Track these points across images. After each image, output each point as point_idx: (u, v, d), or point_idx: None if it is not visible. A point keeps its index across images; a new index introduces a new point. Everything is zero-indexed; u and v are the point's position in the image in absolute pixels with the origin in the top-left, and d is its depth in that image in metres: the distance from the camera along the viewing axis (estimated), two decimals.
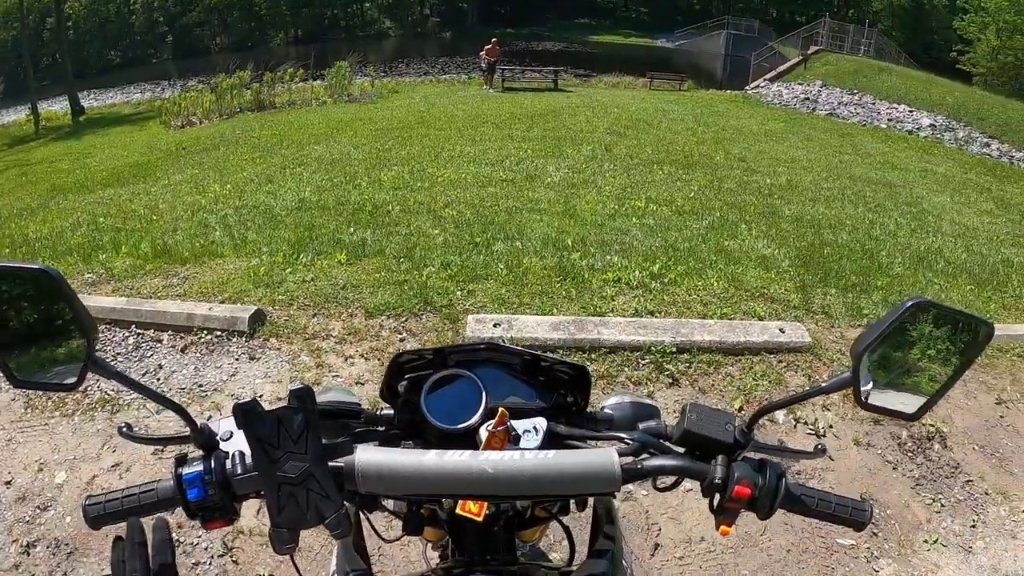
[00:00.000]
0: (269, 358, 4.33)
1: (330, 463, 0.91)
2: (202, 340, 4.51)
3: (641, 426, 1.21)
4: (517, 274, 5.40)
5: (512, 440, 1.10)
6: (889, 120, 21.77)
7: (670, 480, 1.17)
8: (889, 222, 9.11)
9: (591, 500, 1.36)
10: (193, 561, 2.99)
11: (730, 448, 1.09)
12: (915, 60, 35.48)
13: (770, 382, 4.46)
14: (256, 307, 4.67)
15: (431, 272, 5.36)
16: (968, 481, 4.15)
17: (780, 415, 4.23)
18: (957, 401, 4.86)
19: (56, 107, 32.91)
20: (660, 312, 5.03)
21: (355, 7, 65.39)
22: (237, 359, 4.33)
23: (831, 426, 4.26)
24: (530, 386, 1.25)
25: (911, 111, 22.68)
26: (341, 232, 6.46)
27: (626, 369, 4.32)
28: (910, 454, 4.23)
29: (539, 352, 1.23)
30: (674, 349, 4.47)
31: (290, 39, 60.73)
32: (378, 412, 1.24)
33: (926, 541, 3.61)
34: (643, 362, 4.39)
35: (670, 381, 4.25)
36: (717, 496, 1.04)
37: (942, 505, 3.90)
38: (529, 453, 0.94)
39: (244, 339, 4.48)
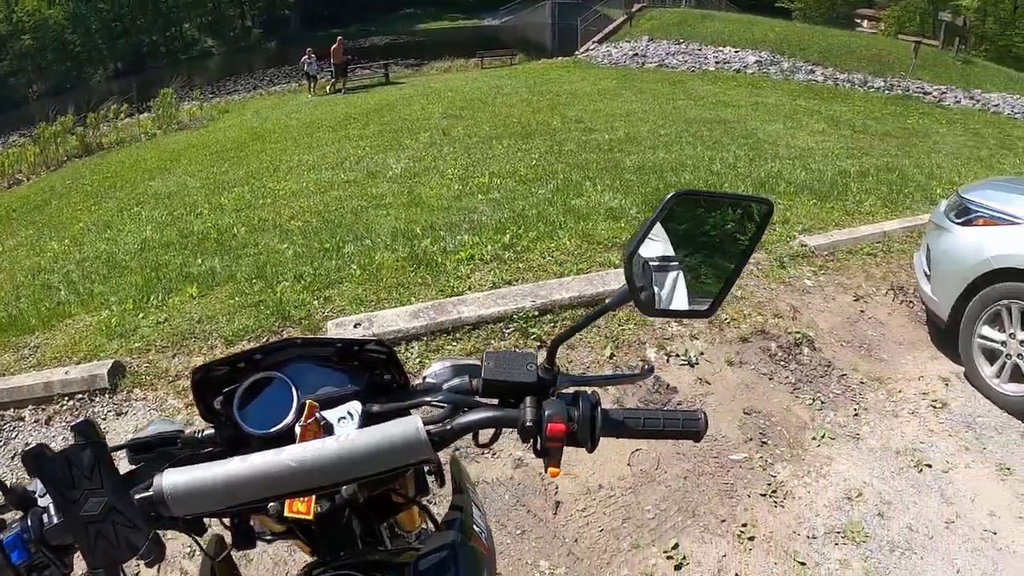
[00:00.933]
0: (136, 410, 4.20)
1: (140, 493, 0.89)
2: (65, 407, 4.32)
3: (446, 386, 1.19)
4: (371, 272, 5.41)
5: (325, 430, 1.07)
6: (716, 63, 22.70)
7: (490, 434, 1.16)
8: (728, 156, 9.54)
9: (447, 475, 1.34)
10: None
11: (538, 388, 1.09)
12: (735, 5, 36.69)
13: (635, 324, 4.64)
14: (113, 360, 4.51)
15: (285, 287, 5.31)
16: (842, 375, 4.46)
17: (651, 352, 4.42)
18: (818, 305, 5.19)
19: None
20: (517, 280, 5.15)
21: (174, 30, 62.84)
22: (104, 418, 4.17)
23: (702, 353, 4.48)
24: (342, 373, 1.23)
25: (736, 51, 23.69)
26: (189, 265, 6.31)
27: (492, 341, 4.42)
28: (782, 363, 4.49)
29: (343, 338, 1.23)
30: (536, 312, 4.60)
31: (110, 74, 57.80)
32: (199, 435, 1.18)
33: (814, 438, 3.87)
34: (508, 331, 4.50)
35: (538, 344, 4.37)
36: (536, 439, 1.03)
37: (822, 402, 4.17)
38: (331, 438, 0.91)
39: (107, 396, 4.31)
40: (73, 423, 0.89)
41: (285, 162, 11.24)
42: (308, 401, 1.10)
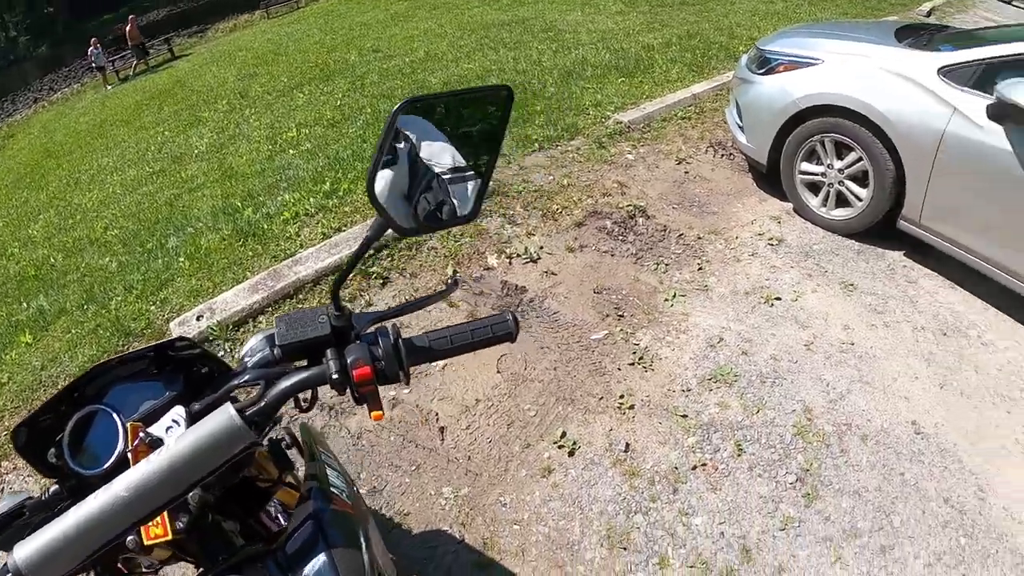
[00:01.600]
0: (11, 483, 3.91)
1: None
2: None
3: (249, 363, 1.16)
4: (200, 260, 5.23)
5: (153, 446, 1.02)
6: None
7: (308, 397, 1.19)
8: (532, 53, 9.62)
9: (304, 445, 1.35)
10: None
11: (337, 338, 1.09)
12: None
13: (470, 236, 4.70)
14: None
15: (118, 302, 5.06)
16: (680, 236, 4.67)
17: (493, 259, 4.50)
18: (643, 176, 5.36)
19: None
20: (347, 224, 5.11)
21: None
22: None
23: (542, 247, 4.58)
24: (158, 382, 1.18)
25: None
26: (15, 313, 5.90)
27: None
28: (620, 237, 4.66)
29: (145, 347, 1.19)
30: (373, 251, 4.58)
31: None
32: (45, 496, 1.13)
33: (667, 299, 4.06)
34: (350, 279, 4.45)
35: (381, 282, 4.36)
36: (348, 389, 1.03)
37: (667, 265, 4.37)
38: (154, 454, 0.88)
39: None
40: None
41: (85, 171, 10.61)
42: (130, 424, 1.06)
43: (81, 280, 5.92)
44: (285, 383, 1.02)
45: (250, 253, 5.12)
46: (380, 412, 1.03)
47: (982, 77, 3.82)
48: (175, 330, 4.35)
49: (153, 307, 4.84)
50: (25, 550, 0.82)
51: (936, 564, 2.58)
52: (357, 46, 13.19)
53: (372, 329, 1.10)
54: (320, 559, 1.04)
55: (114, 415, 1.11)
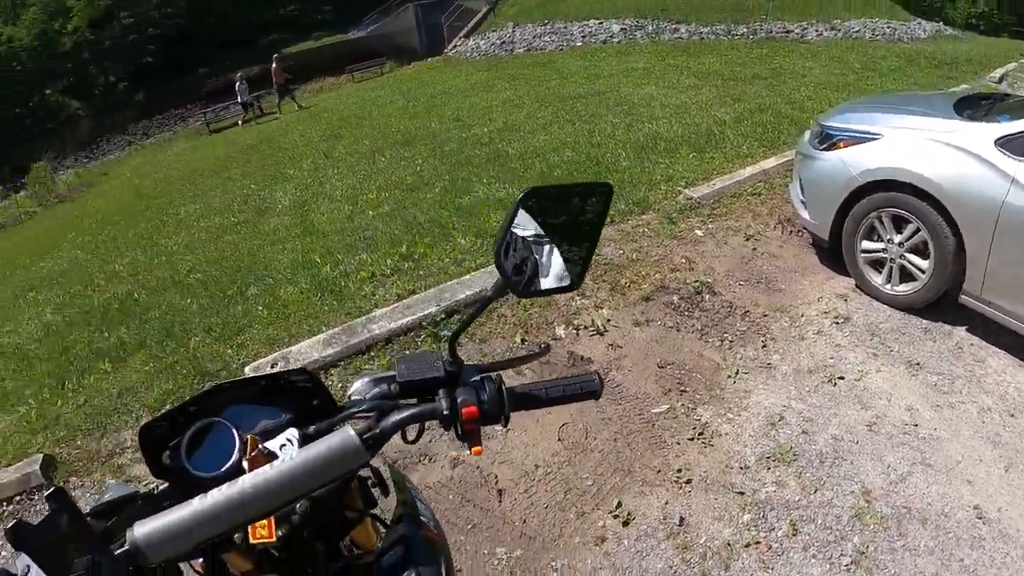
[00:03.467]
0: (77, 498, 4.16)
1: (117, 550, 0.91)
2: (6, 512, 4.25)
3: (368, 396, 1.28)
4: (277, 309, 5.43)
5: (270, 458, 1.13)
6: (583, 37, 22.88)
7: (415, 431, 1.28)
8: (606, 126, 9.71)
9: (389, 483, 1.45)
10: None
11: (448, 380, 1.22)
12: None
13: (540, 307, 4.78)
14: (42, 455, 4.44)
15: (196, 342, 5.28)
16: (746, 312, 4.68)
17: (560, 329, 4.58)
18: (711, 252, 5.40)
19: None
20: (420, 287, 5.22)
21: (35, 99, 60.24)
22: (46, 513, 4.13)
23: (609, 320, 4.63)
24: (273, 406, 1.29)
25: (600, 22, 23.79)
26: (97, 341, 6.18)
27: (407, 351, 4.47)
28: (687, 313, 4.69)
29: (263, 374, 1.33)
30: (443, 315, 4.72)
31: None
32: (155, 491, 1.23)
33: (730, 376, 4.07)
34: (419, 339, 4.60)
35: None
36: (455, 425, 1.15)
37: (731, 341, 4.39)
38: (277, 461, 0.98)
39: (45, 491, 4.27)
40: (44, 494, 0.95)
41: (172, 215, 11.03)
42: (250, 436, 1.18)
43: (162, 318, 6.16)
44: (401, 414, 1.13)
45: (326, 308, 5.28)
46: (480, 447, 1.15)
47: None
48: (249, 374, 4.51)
49: (230, 350, 5.03)
50: (145, 528, 0.90)
51: None
52: (438, 114, 13.50)
53: (478, 377, 1.23)
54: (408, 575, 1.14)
55: (232, 428, 1.23)
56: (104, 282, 8.29)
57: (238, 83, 23.34)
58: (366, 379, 1.34)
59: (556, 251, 1.25)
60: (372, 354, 4.52)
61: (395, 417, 1.13)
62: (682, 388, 4.01)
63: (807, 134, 5.45)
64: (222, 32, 58.69)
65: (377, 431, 1.09)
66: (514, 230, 1.17)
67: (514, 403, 1.18)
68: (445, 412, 1.14)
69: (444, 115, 13.21)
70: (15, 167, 26.75)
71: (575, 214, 1.24)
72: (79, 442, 4.58)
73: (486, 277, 5.01)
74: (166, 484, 1.25)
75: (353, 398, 1.32)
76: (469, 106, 13.78)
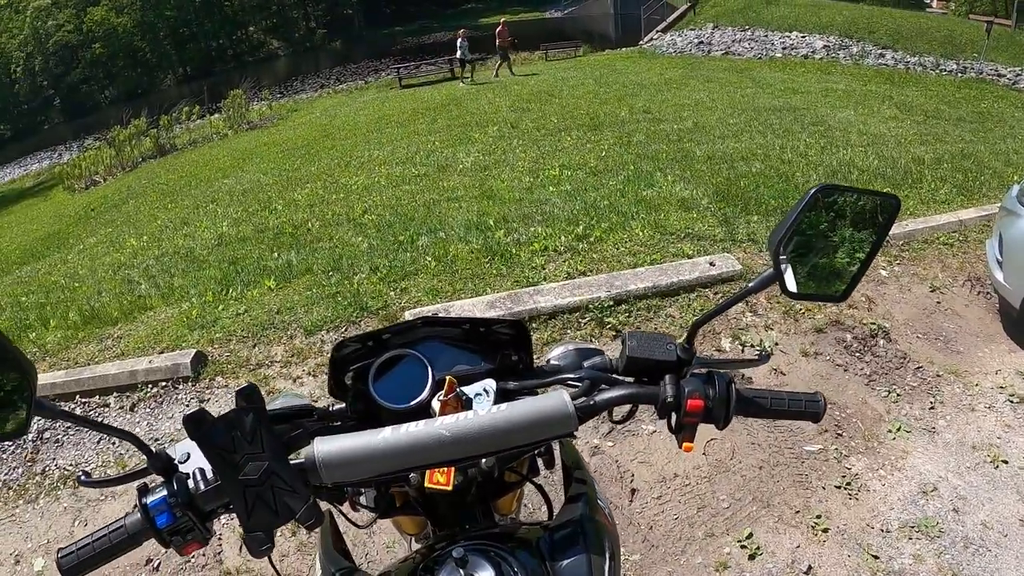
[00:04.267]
0: (218, 397, 4.30)
1: (291, 461, 0.91)
2: (149, 394, 4.45)
3: (586, 364, 1.25)
4: (446, 263, 5.44)
5: (464, 406, 1.11)
6: (783, 49, 22.23)
7: (625, 410, 1.22)
8: (799, 144, 9.31)
9: (558, 456, 1.40)
10: None
11: (675, 367, 1.13)
12: None
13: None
14: (195, 350, 4.61)
15: (361, 279, 5.37)
16: (918, 368, 4.32)
17: (726, 342, 4.37)
18: (893, 296, 5.04)
19: None
20: (591, 271, 5.11)
21: (240, 34, 64.10)
22: (187, 405, 4.29)
23: (776, 344, 4.39)
24: (473, 352, 1.26)
25: (803, 36, 23.17)
26: (266, 259, 6.42)
27: (568, 331, 4.40)
28: (858, 354, 4.39)
29: (474, 317, 1.26)
30: (611, 302, 4.56)
31: (180, 78, 59.30)
32: (331, 408, 1.23)
33: (890, 431, 3.76)
34: (584, 320, 4.48)
35: (614, 333, 4.33)
36: (673, 415, 1.08)
37: (898, 395, 4.05)
38: (482, 411, 0.95)
39: (190, 384, 4.43)
40: (237, 388, 0.89)
41: (356, 158, 11.34)
42: (448, 377, 1.13)
43: (331, 250, 6.30)
44: (620, 391, 1.09)
45: (494, 271, 5.25)
46: (692, 444, 1.08)
47: None
48: (407, 318, 4.49)
49: (393, 293, 5.08)
50: (328, 446, 0.89)
51: None
52: (628, 104, 13.34)
53: (705, 371, 1.13)
54: (580, 558, 1.07)
55: (427, 364, 1.21)
56: (282, 207, 8.59)
57: (460, 39, 22.48)
58: (570, 347, 1.32)
59: (834, 256, 1.15)
60: (533, 326, 4.42)
61: (613, 393, 1.09)
62: (839, 431, 3.76)
63: (1015, 188, 4.91)
64: None
65: (591, 402, 1.07)
66: (799, 224, 1.07)
67: (740, 406, 1.10)
68: (669, 400, 1.07)
69: (634, 106, 13.03)
70: (213, 92, 28.27)
71: (860, 222, 1.14)
72: (232, 346, 4.74)
73: (659, 274, 4.83)
74: (342, 404, 1.24)
75: (553, 362, 1.29)
76: (660, 101, 13.55)
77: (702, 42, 24.57)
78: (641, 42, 27.72)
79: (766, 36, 23.91)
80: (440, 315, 1.33)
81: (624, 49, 27.49)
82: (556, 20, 47.05)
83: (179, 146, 20.81)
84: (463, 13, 59.23)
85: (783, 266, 1.09)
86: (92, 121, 39.92)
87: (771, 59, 21.26)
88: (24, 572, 3.38)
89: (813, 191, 1.05)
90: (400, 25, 58.24)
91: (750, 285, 1.09)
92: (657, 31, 28.16)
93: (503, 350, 1.28)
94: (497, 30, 23.00)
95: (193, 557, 3.15)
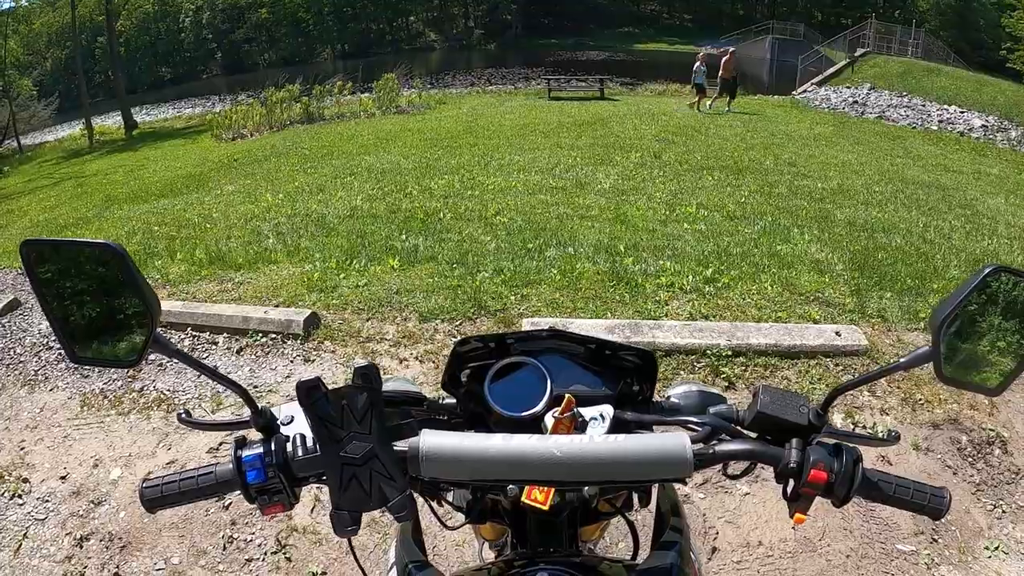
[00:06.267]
0: (323, 360, 4.36)
1: (397, 448, 0.90)
2: (257, 343, 4.56)
3: (712, 410, 1.19)
4: (570, 279, 5.38)
5: (579, 427, 1.08)
6: (940, 122, 21.34)
7: (742, 466, 1.16)
8: (943, 225, 8.91)
9: (655, 496, 1.34)
10: (246, 557, 3.02)
11: (804, 431, 1.07)
12: (964, 60, 34.86)
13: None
14: (311, 311, 4.70)
15: (484, 277, 5.38)
16: None
17: (839, 419, 4.17)
18: (1018, 406, 4.76)
19: (109, 122, 34.04)
20: (714, 316, 4.98)
21: (400, 21, 66.16)
22: (292, 361, 4.37)
23: (890, 430, 4.18)
24: (594, 374, 1.22)
25: (962, 112, 22.28)
26: (393, 239, 6.51)
27: (682, 372, 4.30)
28: (970, 459, 4.14)
29: (604, 339, 1.21)
30: (729, 352, 4.43)
31: (337, 54, 61.64)
32: (441, 401, 1.23)
33: (987, 548, 3.53)
34: (699, 365, 4.36)
35: (726, 384, 4.21)
36: (791, 482, 1.02)
37: (1003, 511, 3.81)
38: (599, 437, 0.92)
39: (299, 342, 4.52)
40: (356, 364, 0.87)
41: (496, 159, 11.44)
42: (568, 395, 1.08)
43: (459, 243, 6.34)
44: (742, 445, 1.04)
45: (616, 297, 5.16)
46: (805, 517, 1.03)
47: None
48: (526, 327, 4.46)
49: (513, 297, 5.05)
50: (436, 439, 0.87)
51: None
52: (775, 153, 13.08)
53: (833, 442, 1.06)
54: None
55: (548, 377, 1.17)
56: (417, 193, 8.73)
57: (698, 63, 20.60)
58: (692, 387, 1.26)
59: (994, 345, 1.06)
60: None
61: (735, 446, 1.04)
62: (935, 537, 3.51)
63: None
64: (578, 8, 61.11)
65: (711, 451, 1.01)
66: (967, 305, 1.00)
67: (863, 488, 1.03)
68: (792, 465, 1.00)
69: (780, 156, 12.79)
70: (367, 73, 29.13)
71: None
72: (346, 315, 4.83)
73: (783, 333, 4.66)
74: (452, 400, 1.23)
75: (673, 400, 1.25)
76: (807, 156, 13.25)
77: (856, 101, 23.83)
78: (795, 92, 27.05)
79: (923, 106, 23.05)
80: (569, 330, 1.23)
81: (776, 97, 26.82)
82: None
83: (327, 117, 21.46)
84: (620, 36, 59.49)
85: (942, 348, 1.01)
86: (248, 79, 41.86)
87: (926, 130, 20.37)
88: (100, 476, 3.49)
89: (986, 271, 0.98)
90: (555, 38, 58.94)
91: (902, 361, 1.02)
92: (812, 83, 27.58)
93: (626, 378, 1.24)
94: (723, 59, 20.40)
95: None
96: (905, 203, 9.95)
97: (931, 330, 1.00)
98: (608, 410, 1.11)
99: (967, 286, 0.98)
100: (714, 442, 1.07)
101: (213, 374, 0.98)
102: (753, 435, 1.11)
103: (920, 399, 4.51)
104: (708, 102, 20.39)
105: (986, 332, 1.05)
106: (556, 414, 1.07)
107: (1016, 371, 1.04)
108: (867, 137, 17.24)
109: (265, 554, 3.01)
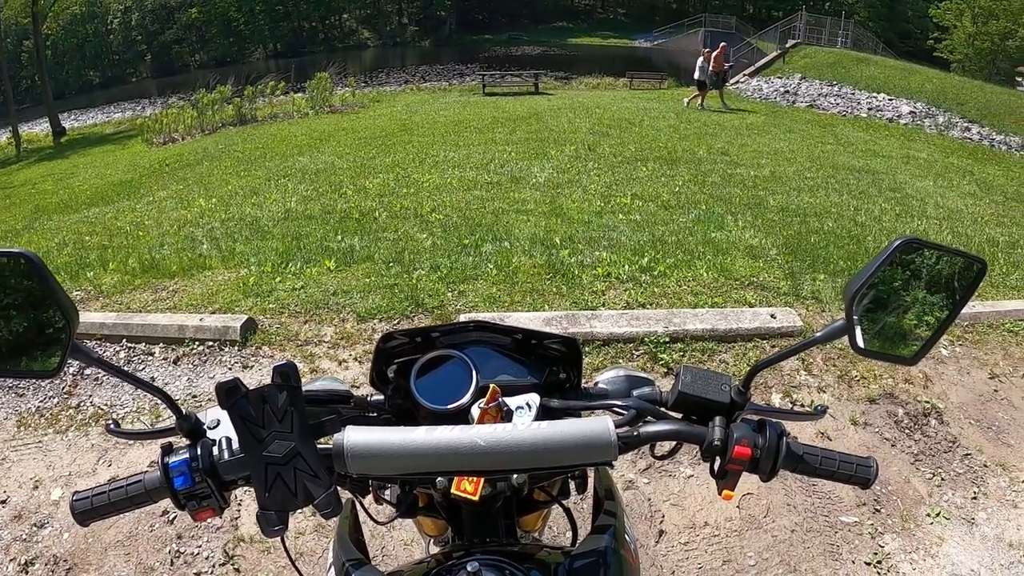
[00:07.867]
0: (263, 366, 4.32)
1: (319, 445, 0.90)
2: (194, 351, 4.49)
3: (635, 393, 1.21)
4: (507, 273, 5.41)
5: (504, 417, 1.08)
6: (869, 109, 21.90)
7: (668, 447, 1.17)
8: (874, 208, 9.16)
9: (591, 482, 1.35)
10: (194, 571, 2.98)
11: (727, 409, 1.09)
12: (892, 50, 35.81)
13: (769, 371, 4.48)
14: (247, 316, 4.64)
15: (421, 275, 5.36)
16: (966, 455, 4.19)
17: (776, 398, 4.28)
18: (951, 377, 4.90)
19: (37, 129, 33.06)
20: (651, 304, 5.04)
21: (333, 19, 65.47)
22: (230, 368, 4.32)
23: (817, 405, 4.28)
24: (521, 364, 1.23)
25: (891, 99, 22.80)
26: (329, 240, 6.46)
27: (620, 360, 4.33)
28: (907, 431, 4.26)
29: (528, 328, 1.22)
30: (667, 339, 4.49)
31: (269, 53, 60.81)
32: (368, 398, 1.23)
33: (928, 515, 3.64)
34: (637, 353, 4.41)
35: (665, 370, 4.26)
36: (717, 459, 1.04)
37: (942, 479, 3.93)
38: (521, 425, 0.93)
39: (236, 348, 4.46)
40: (275, 364, 0.87)
41: (431, 156, 11.41)
42: (492, 385, 1.10)
43: (395, 242, 6.32)
44: (666, 426, 1.05)
45: (553, 289, 5.20)
46: (732, 493, 1.04)
47: None
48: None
49: (450, 294, 5.06)
50: (359, 436, 0.88)
51: None
52: (707, 143, 13.27)
53: (757, 418, 1.09)
54: None
55: (473, 369, 1.17)
56: (352, 193, 8.69)
57: (701, 59, 20.24)
58: (620, 372, 1.29)
59: (909, 316, 1.09)
60: (586, 350, 4.35)
61: (659, 427, 1.05)
62: (877, 507, 3.63)
63: None
64: (512, 3, 61.23)
65: (635, 434, 1.02)
66: (876, 278, 1.03)
67: (788, 462, 1.05)
68: (716, 443, 1.02)
69: (713, 146, 12.98)
70: (300, 72, 28.85)
71: (940, 283, 1.08)
72: (283, 319, 4.78)
73: (719, 317, 4.74)
74: (380, 396, 1.23)
75: (600, 385, 1.27)
76: (739, 145, 13.49)
77: (788, 91, 24.36)
78: (728, 83, 27.55)
79: (853, 94, 23.61)
80: (494, 321, 1.25)
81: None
82: (643, 50, 47.12)
83: (259, 118, 21.21)
84: (555, 31, 59.69)
85: (856, 320, 1.04)
86: (179, 81, 41.12)
87: (855, 118, 20.95)
88: (40, 498, 3.41)
89: (897, 243, 1.01)
90: (490, 33, 58.97)
91: (818, 335, 1.04)
92: (744, 74, 27.91)
93: (552, 366, 1.25)
94: (713, 53, 20.14)
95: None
96: (836, 188, 10.19)
97: (844, 303, 1.03)
98: (534, 399, 1.12)
99: (878, 259, 1.00)
100: (639, 424, 1.07)
101: (134, 379, 0.97)
102: (678, 416, 1.12)
103: (856, 375, 4.63)
104: (701, 100, 20.49)
105: (900, 303, 1.08)
106: (481, 405, 1.08)
107: (932, 340, 1.07)
108: (799, 125, 17.61)
109: (213, 566, 2.98)
